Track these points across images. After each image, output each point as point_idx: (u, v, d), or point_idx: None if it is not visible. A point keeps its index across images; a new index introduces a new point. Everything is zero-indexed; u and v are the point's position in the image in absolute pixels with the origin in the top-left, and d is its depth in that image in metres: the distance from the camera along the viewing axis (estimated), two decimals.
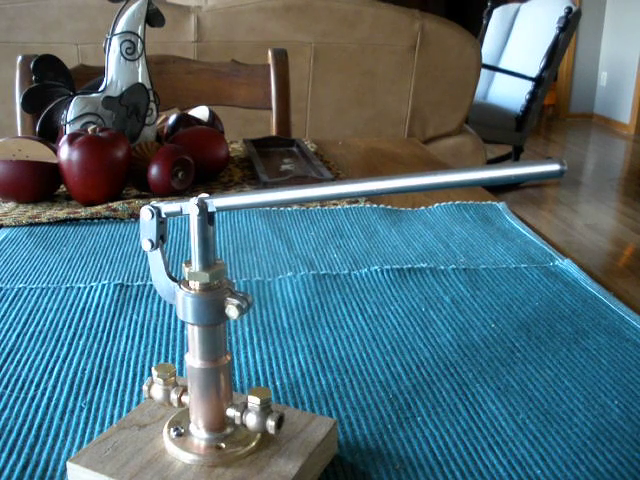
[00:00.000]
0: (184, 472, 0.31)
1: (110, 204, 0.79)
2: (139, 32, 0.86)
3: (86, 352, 0.48)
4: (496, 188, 3.68)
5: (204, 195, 0.31)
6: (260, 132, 1.39)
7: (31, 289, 0.58)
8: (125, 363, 0.46)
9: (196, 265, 0.32)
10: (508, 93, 3.84)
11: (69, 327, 0.51)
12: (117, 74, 0.86)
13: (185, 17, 2.09)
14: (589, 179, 4.30)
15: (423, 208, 0.82)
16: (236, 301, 0.31)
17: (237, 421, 0.33)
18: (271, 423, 0.32)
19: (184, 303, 0.32)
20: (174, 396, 0.35)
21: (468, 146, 2.47)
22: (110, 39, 0.86)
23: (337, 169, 1.01)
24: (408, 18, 2.23)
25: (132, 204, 0.79)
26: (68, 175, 0.79)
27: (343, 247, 0.69)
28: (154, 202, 0.33)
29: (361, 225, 0.76)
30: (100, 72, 0.89)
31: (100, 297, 0.56)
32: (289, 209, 0.81)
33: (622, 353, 0.48)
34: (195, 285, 0.32)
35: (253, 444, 0.33)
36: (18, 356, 0.47)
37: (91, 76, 0.95)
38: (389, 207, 0.82)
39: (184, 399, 0.34)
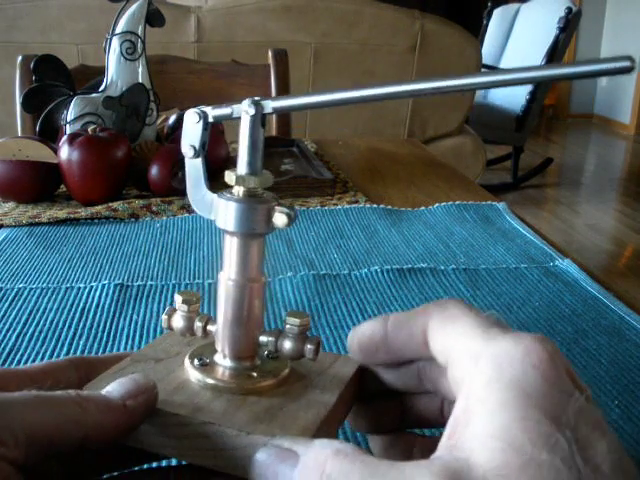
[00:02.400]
0: (215, 399, 0.29)
1: (110, 204, 0.79)
2: (139, 32, 0.86)
3: (86, 352, 0.48)
4: (496, 188, 3.68)
5: (256, 97, 0.29)
6: None
7: (31, 289, 0.58)
8: None
9: (243, 170, 0.29)
10: (508, 93, 3.84)
11: (69, 327, 0.51)
12: (117, 74, 0.86)
13: (185, 17, 2.09)
14: (589, 179, 4.30)
15: (423, 208, 0.82)
16: (286, 209, 0.29)
17: (271, 347, 0.31)
18: (310, 347, 0.30)
19: (227, 209, 0.29)
20: (199, 324, 0.31)
21: (468, 146, 2.47)
22: (110, 39, 0.86)
23: (337, 169, 1.01)
24: (408, 18, 2.23)
25: (132, 204, 0.79)
26: (68, 175, 0.79)
27: (343, 247, 0.69)
28: (201, 106, 0.30)
29: (361, 225, 0.76)
30: (100, 72, 0.89)
31: (100, 297, 0.56)
32: None
33: (622, 353, 0.48)
34: (239, 191, 0.29)
35: (283, 374, 0.31)
36: (18, 356, 0.47)
37: (91, 76, 0.95)
38: (389, 207, 0.82)
39: (210, 328, 0.31)
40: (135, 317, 0.53)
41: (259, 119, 0.29)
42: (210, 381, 0.30)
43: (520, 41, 4.13)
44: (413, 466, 0.21)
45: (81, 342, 0.49)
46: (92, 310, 0.54)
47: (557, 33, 3.58)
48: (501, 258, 0.66)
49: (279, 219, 0.29)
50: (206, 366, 0.30)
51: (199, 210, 0.31)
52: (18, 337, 0.50)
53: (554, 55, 3.62)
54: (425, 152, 1.23)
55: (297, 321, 0.30)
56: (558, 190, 3.95)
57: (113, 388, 0.26)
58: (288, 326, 0.30)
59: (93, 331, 0.51)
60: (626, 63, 0.24)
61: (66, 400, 0.24)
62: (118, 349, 0.48)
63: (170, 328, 0.32)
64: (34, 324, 0.52)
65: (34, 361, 0.46)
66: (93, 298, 0.56)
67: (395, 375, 0.31)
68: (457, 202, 0.83)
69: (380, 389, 0.31)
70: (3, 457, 0.22)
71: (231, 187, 0.30)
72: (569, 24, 3.57)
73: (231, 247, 0.30)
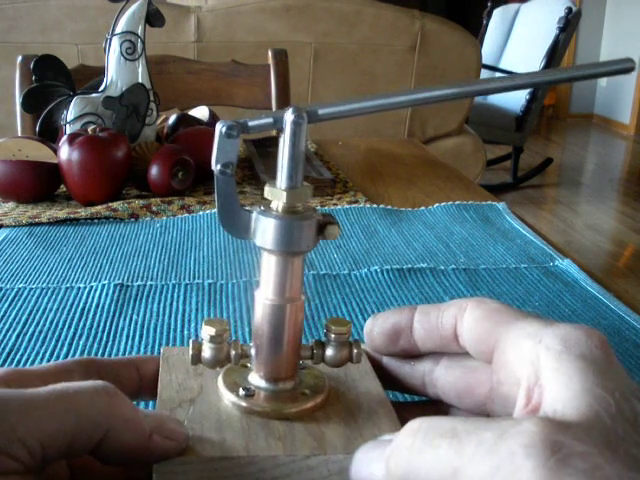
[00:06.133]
0: (289, 428, 0.27)
1: (110, 204, 0.79)
2: (139, 32, 0.86)
3: (86, 352, 0.48)
4: (496, 188, 3.68)
5: (300, 106, 0.27)
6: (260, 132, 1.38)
7: (31, 289, 0.58)
8: None
9: (283, 184, 0.27)
10: (508, 93, 3.84)
11: (69, 327, 0.51)
12: (117, 74, 0.86)
13: (185, 17, 2.09)
14: (589, 179, 4.30)
15: (423, 208, 0.82)
16: (332, 219, 0.28)
17: (316, 359, 0.30)
18: (357, 351, 0.30)
19: (266, 226, 0.27)
20: (234, 352, 0.29)
21: (468, 146, 2.47)
22: (110, 39, 0.86)
23: (337, 169, 1.01)
24: (408, 18, 2.23)
25: (132, 204, 0.79)
26: (68, 175, 0.79)
27: (343, 247, 0.69)
28: (237, 119, 0.27)
29: (361, 225, 0.76)
30: (100, 72, 0.89)
31: (100, 297, 0.56)
32: None
33: (622, 353, 0.48)
34: (278, 206, 0.28)
35: (327, 386, 0.30)
36: (18, 356, 0.47)
37: (91, 76, 0.95)
38: (389, 207, 0.82)
39: (248, 352, 0.30)
40: (135, 317, 0.53)
41: (304, 129, 0.27)
42: (269, 410, 0.28)
43: (520, 41, 4.13)
44: (507, 418, 0.21)
45: (81, 342, 0.49)
46: (92, 310, 0.54)
47: (557, 33, 3.58)
48: (501, 258, 0.66)
49: (331, 232, 0.28)
50: (252, 396, 0.29)
51: (232, 232, 0.29)
52: (18, 337, 0.50)
53: (554, 55, 3.62)
54: (425, 152, 1.23)
55: (343, 329, 0.30)
56: (558, 190, 3.95)
57: (150, 414, 0.25)
58: (334, 335, 0.30)
59: (93, 331, 0.51)
60: (628, 64, 0.25)
61: (92, 395, 0.23)
62: (118, 349, 0.48)
63: (199, 362, 0.30)
64: (34, 324, 0.52)
65: (34, 361, 0.46)
66: (93, 298, 0.56)
67: (399, 373, 0.32)
68: (457, 202, 0.83)
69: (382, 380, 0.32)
70: (16, 471, 0.21)
71: (264, 200, 0.28)
72: (569, 24, 3.57)
73: (269, 265, 0.29)
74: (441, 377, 0.30)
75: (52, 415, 0.22)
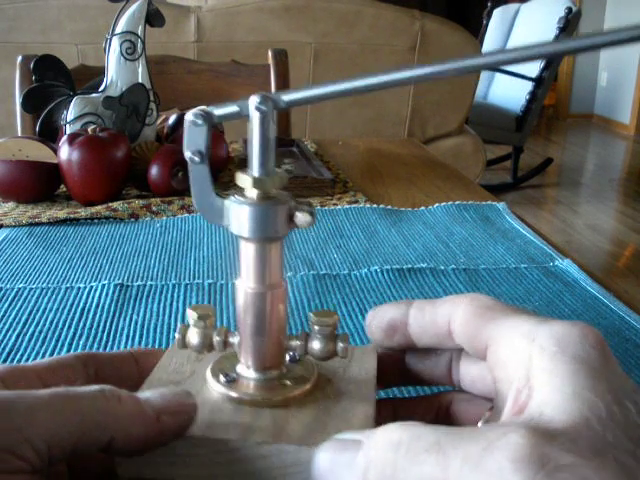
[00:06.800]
0: (258, 416, 0.27)
1: (110, 204, 0.79)
2: (139, 32, 0.86)
3: (87, 351, 0.48)
4: (496, 188, 3.68)
5: (265, 93, 0.27)
6: None
7: (31, 289, 0.58)
8: None
9: (256, 171, 0.27)
10: (508, 93, 3.84)
11: (69, 327, 0.51)
12: (117, 74, 0.86)
13: (185, 17, 2.09)
14: (589, 179, 4.30)
15: (423, 208, 0.82)
16: (307, 207, 0.27)
17: (300, 351, 0.29)
18: (342, 345, 0.29)
19: (241, 213, 0.27)
20: (218, 339, 0.29)
21: (468, 146, 2.47)
22: (110, 39, 0.86)
23: (337, 169, 1.01)
24: (408, 18, 2.23)
25: (132, 204, 0.79)
26: (68, 175, 0.79)
27: (343, 247, 0.69)
28: (202, 107, 0.28)
29: (361, 225, 0.76)
30: (100, 72, 0.89)
31: (100, 297, 0.56)
32: None
33: (622, 353, 0.48)
34: (253, 193, 0.28)
35: (314, 377, 0.30)
36: (18, 356, 0.47)
37: (91, 76, 0.95)
38: (389, 207, 0.82)
39: (231, 340, 0.30)
40: (135, 317, 0.53)
41: (271, 116, 0.27)
42: (245, 397, 0.28)
43: (520, 41, 4.12)
44: (492, 427, 0.21)
45: (81, 342, 0.49)
46: (92, 310, 0.54)
47: (557, 33, 3.58)
48: (501, 258, 0.66)
49: (301, 219, 0.27)
50: (234, 382, 0.29)
51: (209, 218, 0.29)
52: (18, 337, 0.50)
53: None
54: (425, 152, 1.23)
55: (328, 321, 0.29)
56: (558, 190, 3.95)
57: (153, 397, 0.25)
58: (317, 327, 0.29)
59: (93, 331, 0.51)
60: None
61: (95, 399, 0.23)
62: (118, 349, 0.48)
63: (185, 347, 0.30)
64: (34, 324, 0.52)
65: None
66: (93, 298, 0.56)
67: (422, 365, 0.31)
68: (457, 202, 0.83)
69: (402, 375, 0.32)
70: (23, 470, 0.21)
71: (238, 188, 0.28)
72: (569, 24, 3.57)
73: (248, 253, 0.28)
74: (459, 366, 0.30)
75: (57, 417, 0.22)
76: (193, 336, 0.30)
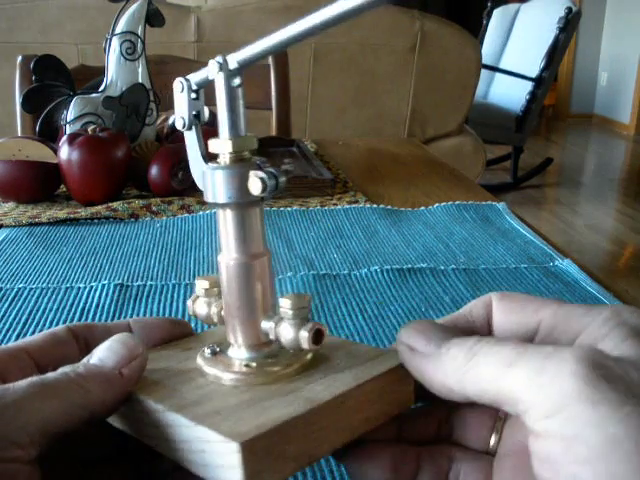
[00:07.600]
0: (197, 388, 0.26)
1: (110, 204, 0.79)
2: (139, 32, 0.86)
3: None
4: (496, 188, 3.68)
5: (224, 55, 0.27)
6: (260, 132, 1.38)
7: (31, 289, 0.58)
8: None
9: (226, 134, 0.26)
10: (508, 93, 3.84)
11: None
12: (117, 74, 0.86)
13: (185, 17, 2.09)
14: (589, 179, 4.30)
15: (423, 208, 0.82)
16: (261, 173, 0.25)
17: (271, 334, 0.27)
18: (304, 334, 0.26)
19: (214, 179, 0.26)
20: (214, 310, 0.29)
21: (468, 146, 2.47)
22: (110, 39, 0.86)
23: (337, 169, 1.01)
24: (408, 18, 2.23)
25: (132, 204, 0.79)
26: (68, 175, 0.79)
27: (343, 247, 0.69)
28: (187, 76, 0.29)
29: (361, 225, 0.76)
30: (100, 72, 0.89)
31: (100, 297, 0.56)
32: (289, 209, 0.81)
33: None
34: (225, 158, 0.27)
35: (295, 366, 0.27)
36: None
37: (91, 76, 0.95)
38: (389, 207, 0.82)
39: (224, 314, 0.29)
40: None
41: (231, 76, 0.26)
42: (209, 371, 0.27)
43: (520, 41, 4.12)
44: (554, 347, 0.22)
45: None
46: (92, 310, 0.54)
47: (557, 33, 3.58)
48: (501, 258, 0.66)
49: (253, 185, 0.25)
50: (216, 355, 0.28)
51: (201, 186, 0.28)
52: (18, 337, 0.50)
53: (554, 55, 3.62)
54: (425, 152, 1.23)
55: (288, 303, 0.26)
56: (558, 190, 3.95)
57: (106, 356, 0.26)
58: (282, 309, 0.27)
59: None
60: None
61: (68, 384, 0.24)
62: None
63: (195, 315, 0.30)
64: (34, 324, 0.52)
65: None
66: (93, 298, 0.56)
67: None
68: (457, 202, 0.83)
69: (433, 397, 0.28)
70: (20, 459, 0.22)
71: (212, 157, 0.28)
72: (569, 24, 3.57)
73: (226, 222, 0.27)
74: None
75: (44, 404, 0.23)
76: (200, 306, 0.30)
